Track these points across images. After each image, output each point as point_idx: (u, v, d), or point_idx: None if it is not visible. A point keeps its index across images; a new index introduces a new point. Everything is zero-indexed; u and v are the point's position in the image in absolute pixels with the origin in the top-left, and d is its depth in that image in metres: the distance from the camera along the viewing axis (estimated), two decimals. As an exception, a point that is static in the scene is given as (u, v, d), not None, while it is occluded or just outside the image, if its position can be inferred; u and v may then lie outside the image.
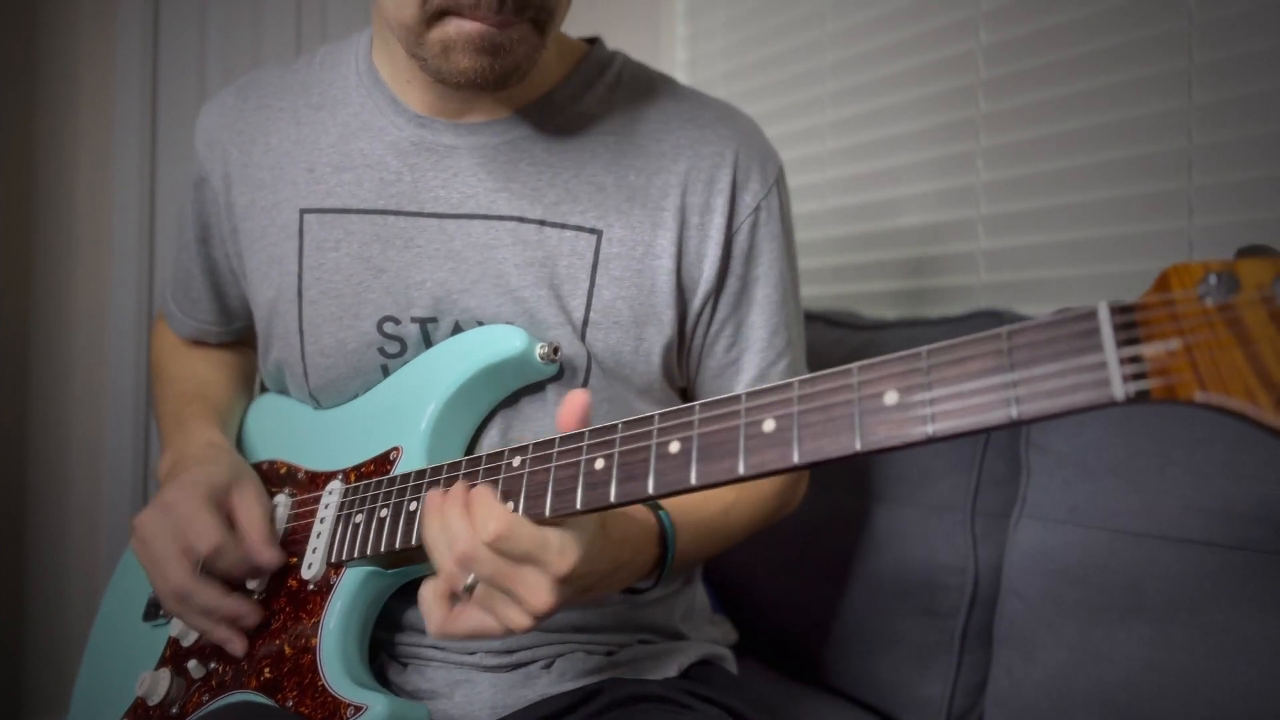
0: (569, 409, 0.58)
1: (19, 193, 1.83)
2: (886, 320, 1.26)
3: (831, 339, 1.24)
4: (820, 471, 0.91)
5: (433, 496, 0.59)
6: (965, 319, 1.12)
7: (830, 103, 1.54)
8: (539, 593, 0.55)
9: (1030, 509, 0.95)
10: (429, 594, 0.58)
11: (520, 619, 0.56)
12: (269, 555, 0.74)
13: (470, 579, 0.57)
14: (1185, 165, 1.07)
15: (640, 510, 0.68)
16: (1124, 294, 1.12)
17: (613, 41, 0.93)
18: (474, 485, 0.58)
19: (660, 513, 0.70)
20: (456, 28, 0.66)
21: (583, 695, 0.72)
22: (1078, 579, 0.88)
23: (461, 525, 0.55)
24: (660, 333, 0.77)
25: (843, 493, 1.13)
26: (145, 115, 1.93)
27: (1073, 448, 0.92)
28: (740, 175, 0.78)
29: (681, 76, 1.87)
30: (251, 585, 0.76)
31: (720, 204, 0.77)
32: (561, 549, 0.54)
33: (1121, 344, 0.39)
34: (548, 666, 0.76)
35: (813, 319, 1.29)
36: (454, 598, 0.58)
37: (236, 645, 0.74)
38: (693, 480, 0.51)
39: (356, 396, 0.81)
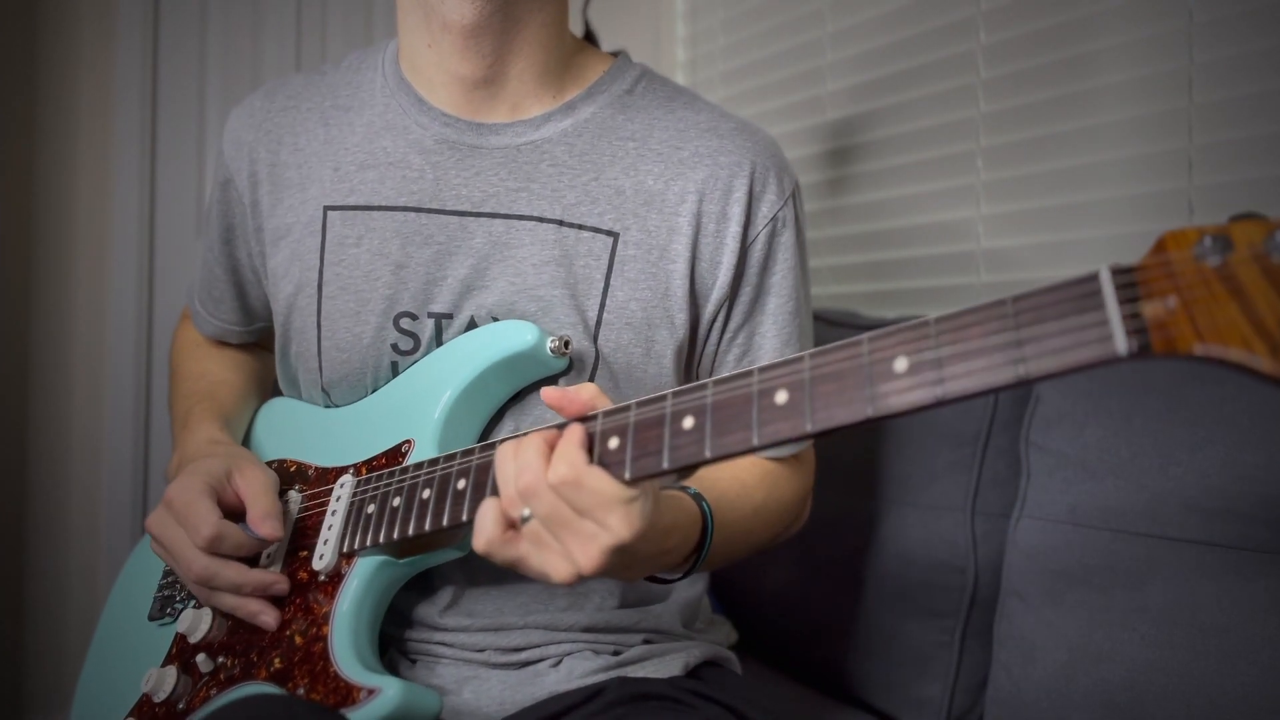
0: (556, 403, 0.59)
1: (19, 193, 1.83)
2: (886, 320, 1.26)
3: (831, 339, 1.23)
4: (821, 471, 0.91)
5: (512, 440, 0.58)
6: (965, 319, 1.11)
7: (830, 102, 1.54)
8: (590, 551, 0.54)
9: (1030, 509, 0.95)
10: (489, 510, 0.57)
11: (563, 571, 0.55)
12: (267, 528, 0.73)
13: (526, 512, 0.56)
14: (1185, 165, 1.07)
15: (687, 501, 0.68)
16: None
17: (613, 41, 0.94)
18: (566, 425, 0.58)
19: (703, 503, 0.70)
20: None
21: (588, 693, 0.73)
22: (1078, 579, 0.88)
23: (533, 458, 0.55)
24: (672, 336, 0.78)
25: (843, 493, 1.14)
26: (145, 116, 1.93)
27: (1073, 448, 0.92)
28: (757, 186, 0.79)
29: (681, 76, 1.87)
30: (265, 563, 0.76)
31: (736, 213, 0.78)
32: (625, 517, 0.54)
33: (1123, 302, 0.41)
34: (555, 665, 0.77)
35: (813, 319, 1.29)
36: (513, 525, 0.58)
37: (269, 617, 0.73)
38: (707, 453, 0.52)
39: (367, 394, 0.82)
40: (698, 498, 0.70)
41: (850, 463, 1.14)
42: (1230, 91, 1.03)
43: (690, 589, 0.87)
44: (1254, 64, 1.00)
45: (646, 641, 0.81)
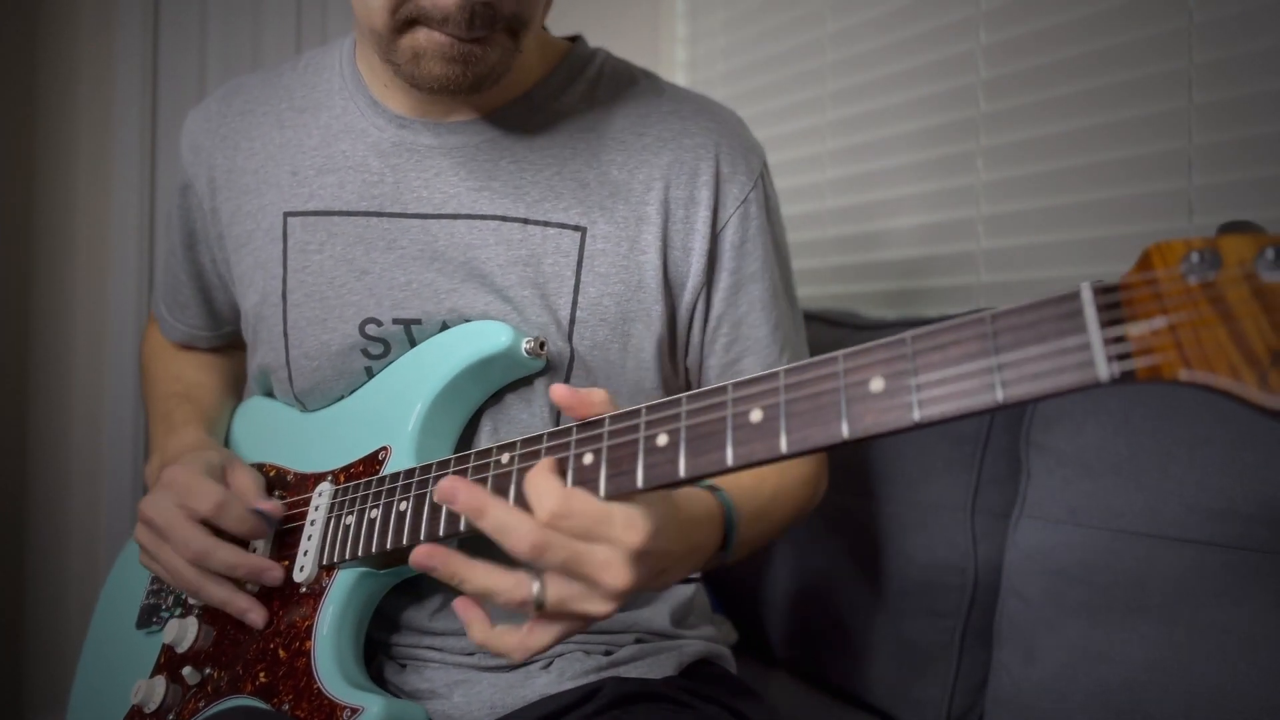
0: (567, 402, 0.57)
1: (19, 193, 1.83)
2: (886, 320, 1.26)
3: (831, 339, 1.24)
4: (820, 471, 0.91)
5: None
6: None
7: (830, 103, 1.54)
8: (614, 570, 0.52)
9: (1030, 509, 0.95)
10: (507, 635, 0.56)
11: (601, 605, 0.54)
12: (269, 505, 0.73)
13: (537, 590, 0.54)
14: (1185, 165, 1.07)
15: (702, 493, 0.67)
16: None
17: (612, 41, 0.93)
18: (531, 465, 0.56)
19: (720, 494, 0.68)
20: (427, 37, 0.67)
21: (583, 694, 0.72)
22: (1078, 579, 0.88)
23: (515, 519, 0.53)
24: (649, 329, 0.76)
25: (843, 493, 1.13)
26: (145, 115, 1.93)
27: (1073, 447, 0.92)
28: (724, 167, 0.78)
29: (681, 76, 1.87)
30: (256, 549, 0.76)
31: (705, 197, 0.77)
32: (628, 523, 0.52)
33: (1105, 324, 0.39)
34: (546, 667, 0.76)
35: (813, 319, 1.29)
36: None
37: (256, 615, 0.72)
38: (681, 473, 0.51)
39: (342, 398, 0.81)
40: (712, 489, 0.69)
41: (850, 461, 1.14)
42: (1230, 91, 1.03)
43: (683, 588, 0.87)
44: (1254, 64, 1.00)
45: (638, 641, 0.80)
